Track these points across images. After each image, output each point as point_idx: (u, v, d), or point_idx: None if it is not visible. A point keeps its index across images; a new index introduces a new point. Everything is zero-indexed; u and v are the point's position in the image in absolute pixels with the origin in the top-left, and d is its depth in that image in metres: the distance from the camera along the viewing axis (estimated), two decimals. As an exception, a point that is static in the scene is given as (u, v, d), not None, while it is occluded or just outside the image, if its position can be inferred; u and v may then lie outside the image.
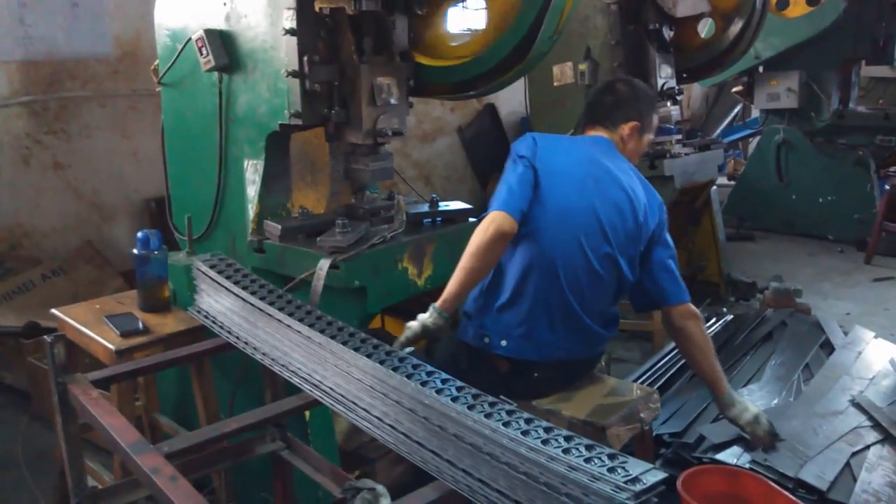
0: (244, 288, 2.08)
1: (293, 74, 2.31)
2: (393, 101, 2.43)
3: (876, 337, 3.72)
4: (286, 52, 2.32)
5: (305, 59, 2.30)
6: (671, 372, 3.35)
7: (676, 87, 4.25)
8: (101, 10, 4.60)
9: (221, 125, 2.56)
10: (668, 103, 4.23)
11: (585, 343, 2.37)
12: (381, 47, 2.46)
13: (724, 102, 9.56)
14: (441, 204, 2.69)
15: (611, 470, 1.22)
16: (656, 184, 2.70)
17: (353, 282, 2.27)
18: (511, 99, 6.94)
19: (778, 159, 6.84)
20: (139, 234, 2.55)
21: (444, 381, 1.55)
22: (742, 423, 2.48)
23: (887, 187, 5.93)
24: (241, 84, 2.50)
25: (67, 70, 4.50)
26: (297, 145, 2.75)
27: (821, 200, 6.71)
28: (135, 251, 2.55)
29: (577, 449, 1.29)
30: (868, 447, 2.66)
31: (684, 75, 4.44)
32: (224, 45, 2.48)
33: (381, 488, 1.50)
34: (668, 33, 4.19)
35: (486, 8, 2.53)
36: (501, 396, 1.49)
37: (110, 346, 2.32)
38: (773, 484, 2.24)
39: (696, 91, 9.47)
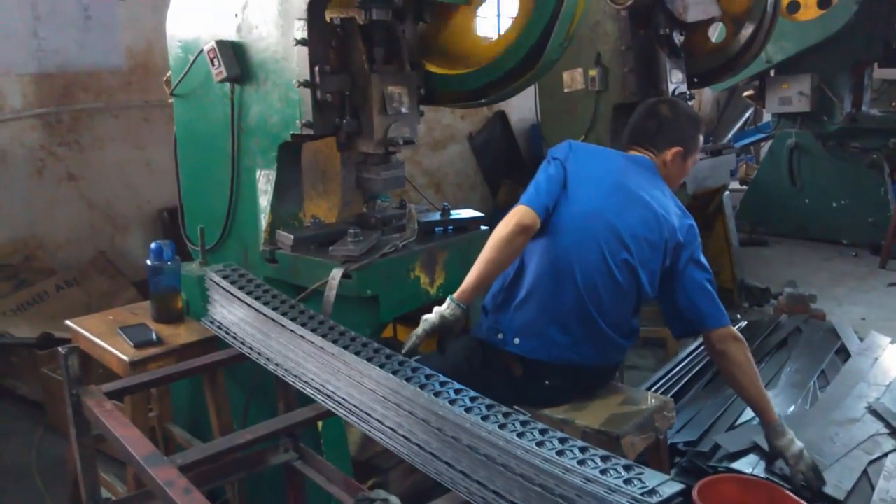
0: (257, 298, 2.08)
1: (304, 85, 2.31)
2: (404, 109, 2.44)
3: (892, 342, 3.67)
4: (297, 63, 2.32)
5: (317, 69, 2.31)
6: (685, 379, 3.32)
7: (687, 93, 4.23)
8: (114, 22, 4.64)
9: (233, 136, 2.57)
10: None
11: (600, 350, 2.35)
12: (391, 56, 2.47)
13: (735, 107, 9.51)
14: (452, 212, 2.69)
15: (627, 482, 1.21)
16: (668, 190, 2.69)
17: (366, 291, 2.27)
18: (521, 106, 6.94)
19: (791, 163, 6.80)
20: (152, 245, 2.56)
21: (457, 392, 1.55)
22: (787, 456, 2.39)
23: (902, 190, 5.89)
24: (252, 95, 2.51)
25: (80, 82, 4.54)
26: (308, 155, 2.76)
27: (834, 204, 6.66)
28: (148, 262, 2.56)
29: (593, 460, 1.28)
30: (886, 455, 2.62)
31: (695, 80, 4.41)
32: (236, 56, 2.49)
33: (394, 499, 1.50)
34: (678, 38, 4.17)
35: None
36: (515, 406, 1.48)
37: (124, 357, 2.32)
38: (789, 493, 2.22)
39: (706, 96, 9.44)
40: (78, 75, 4.52)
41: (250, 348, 2.07)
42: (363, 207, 2.63)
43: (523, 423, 1.40)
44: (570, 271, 2.29)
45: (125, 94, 4.74)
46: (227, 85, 2.54)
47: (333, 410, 1.77)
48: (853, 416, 2.87)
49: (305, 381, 1.86)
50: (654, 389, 3.16)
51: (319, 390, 1.81)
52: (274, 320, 1.98)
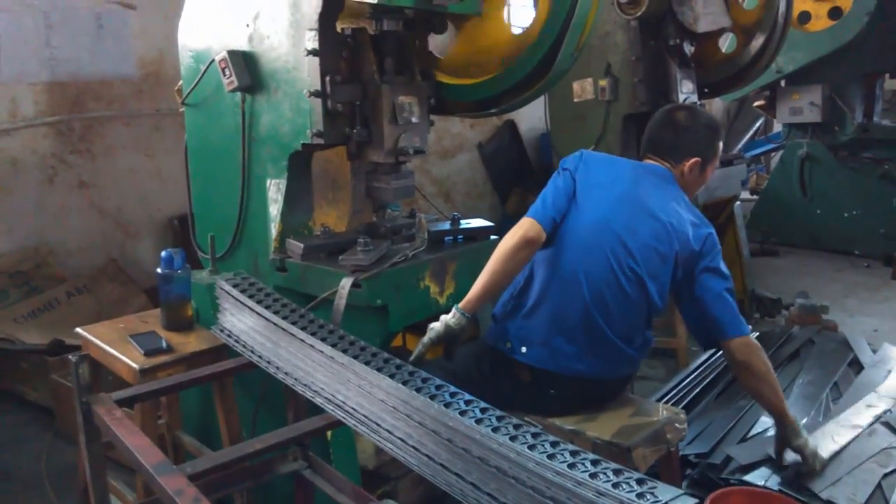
0: (267, 307, 2.08)
1: (315, 94, 2.32)
2: (414, 119, 2.44)
3: (905, 354, 3.64)
4: (308, 73, 2.33)
5: (327, 79, 2.31)
6: (697, 390, 3.30)
7: (698, 103, 4.22)
8: (126, 31, 4.67)
9: (244, 145, 2.58)
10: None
11: (609, 361, 2.33)
12: (402, 66, 2.47)
13: (745, 117, 9.49)
14: (462, 222, 2.69)
15: (640, 496, 1.20)
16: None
17: (375, 300, 2.27)
18: (531, 115, 6.94)
19: (802, 174, 6.77)
20: (163, 254, 2.56)
21: (467, 403, 1.54)
22: (806, 454, 2.43)
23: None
24: (263, 104, 2.52)
25: (92, 90, 4.57)
26: (318, 164, 2.76)
27: (846, 215, 6.62)
28: (158, 270, 2.57)
29: (605, 473, 1.27)
30: (900, 468, 2.60)
31: (706, 90, 4.40)
32: (247, 66, 2.50)
33: (403, 510, 1.49)
34: (689, 48, 4.17)
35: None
36: (526, 418, 1.48)
37: (134, 364, 2.33)
38: (802, 506, 2.20)
39: (717, 106, 9.41)
40: (90, 84, 4.55)
41: (259, 357, 2.07)
42: (373, 216, 2.63)
43: (534, 436, 1.39)
44: (576, 282, 2.28)
45: (137, 103, 4.77)
46: (239, 94, 2.55)
47: (343, 420, 1.76)
48: (867, 429, 2.84)
49: (315, 391, 1.86)
50: (664, 400, 3.14)
51: (329, 400, 1.81)
52: (283, 329, 1.98)
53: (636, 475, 1.27)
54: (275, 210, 2.54)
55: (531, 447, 1.35)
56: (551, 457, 1.32)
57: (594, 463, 1.30)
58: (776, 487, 2.42)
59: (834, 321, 4.32)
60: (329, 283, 2.30)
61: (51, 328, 3.94)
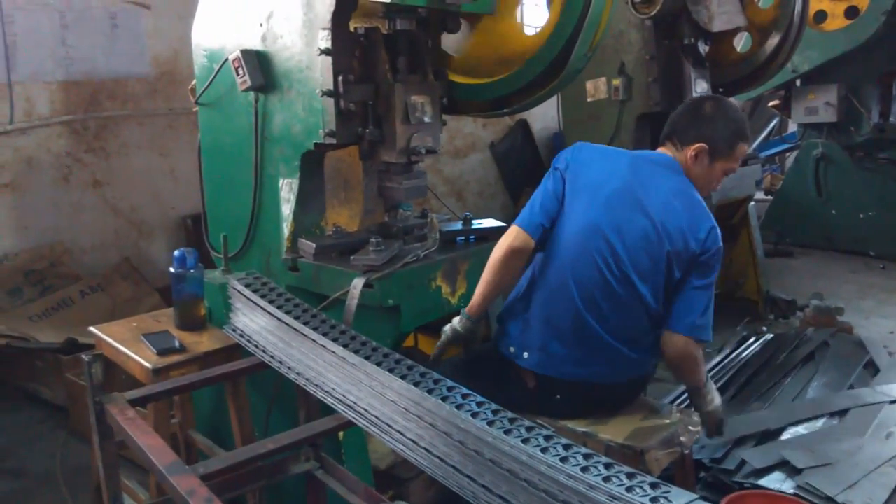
0: (279, 307, 2.08)
1: (328, 94, 2.32)
2: (427, 119, 2.43)
3: (923, 357, 3.61)
4: (321, 72, 2.33)
5: (340, 78, 2.31)
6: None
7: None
8: (140, 30, 4.69)
9: (257, 144, 2.58)
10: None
11: (610, 365, 2.27)
12: (415, 66, 2.47)
13: (759, 116, 9.41)
14: (474, 222, 2.68)
15: (653, 500, 1.19)
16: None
17: (387, 301, 2.26)
18: (544, 114, 6.92)
19: (817, 174, 6.71)
20: (176, 253, 2.57)
21: (479, 405, 1.53)
22: (711, 409, 2.31)
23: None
24: (276, 104, 2.52)
25: (107, 89, 4.59)
26: (330, 164, 2.76)
27: (861, 216, 6.55)
28: (171, 270, 2.58)
29: (618, 477, 1.26)
30: (917, 472, 2.57)
31: (720, 90, 4.37)
32: (260, 66, 2.50)
33: (415, 512, 1.48)
34: (703, 48, 4.14)
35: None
36: (538, 420, 1.47)
37: (147, 364, 2.33)
38: (818, 510, 2.18)
39: (731, 105, 9.34)
40: (104, 83, 4.58)
41: (272, 357, 2.07)
42: (385, 216, 2.62)
43: (547, 438, 1.38)
44: (566, 289, 2.23)
45: (151, 102, 4.79)
46: (252, 94, 2.55)
47: (355, 421, 1.76)
48: (882, 432, 2.81)
49: (327, 391, 1.86)
50: (677, 403, 3.12)
51: (341, 400, 1.80)
52: (296, 329, 1.98)
53: (650, 479, 1.26)
54: (287, 210, 2.54)
55: (544, 450, 1.34)
56: (564, 460, 1.31)
57: (607, 466, 1.29)
58: (791, 491, 2.40)
59: (849, 323, 4.28)
60: (341, 283, 2.30)
61: (65, 327, 3.96)
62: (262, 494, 2.45)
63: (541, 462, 1.32)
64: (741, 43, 4.44)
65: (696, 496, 1.21)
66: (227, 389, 2.47)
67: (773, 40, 4.10)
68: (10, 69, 4.18)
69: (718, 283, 2.41)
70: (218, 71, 2.64)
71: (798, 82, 6.61)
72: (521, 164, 7.14)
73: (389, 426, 1.66)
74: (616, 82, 4.17)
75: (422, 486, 2.64)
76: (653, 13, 3.96)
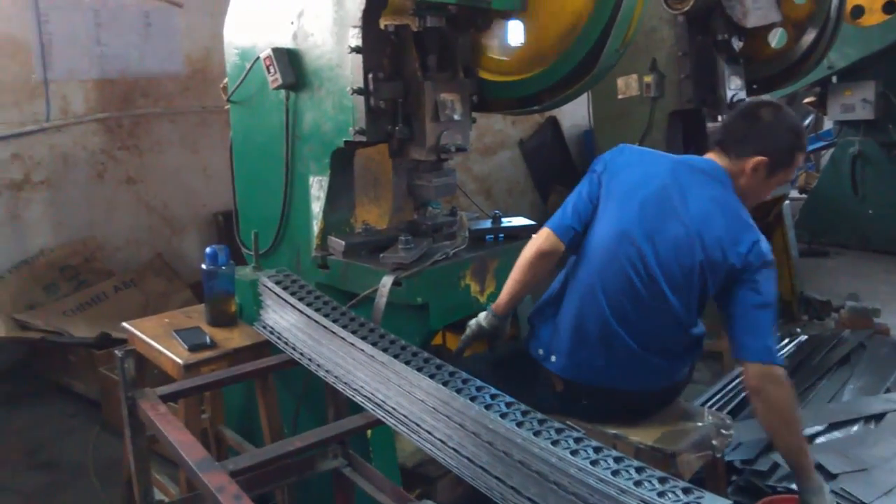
0: (308, 304, 2.09)
1: (358, 92, 2.32)
2: (456, 116, 2.42)
3: (963, 361, 3.52)
4: (351, 70, 2.33)
5: (370, 76, 2.31)
6: (743, 395, 3.22)
7: (746, 99, 4.13)
8: (173, 29, 4.75)
9: (288, 142, 2.59)
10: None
11: (640, 374, 2.20)
12: (445, 64, 2.46)
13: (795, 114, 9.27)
14: (503, 220, 2.67)
15: (686, 505, 1.17)
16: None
17: (416, 298, 2.26)
18: (574, 112, 6.87)
19: (853, 172, 6.59)
20: (207, 250, 2.59)
21: (508, 405, 1.52)
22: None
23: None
24: (307, 101, 2.53)
25: (140, 87, 4.66)
26: (360, 161, 2.76)
27: (898, 215, 6.43)
28: (203, 266, 2.60)
29: (650, 482, 1.24)
30: (957, 479, 2.50)
31: (754, 87, 4.29)
32: (291, 64, 2.51)
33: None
34: (737, 44, 4.07)
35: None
36: (568, 422, 1.45)
37: (178, 360, 2.35)
38: (853, 517, 2.13)
39: (764, 102, 9.21)
40: (138, 81, 4.64)
41: (301, 354, 2.08)
42: (414, 214, 2.62)
43: (577, 440, 1.37)
44: (594, 296, 2.17)
45: (183, 100, 4.85)
46: (283, 92, 2.56)
47: (383, 419, 1.76)
48: (921, 438, 2.75)
49: (355, 389, 1.86)
50: (709, 405, 3.08)
51: (369, 399, 1.81)
52: (325, 327, 1.99)
53: (682, 484, 1.24)
54: (317, 207, 2.55)
55: (574, 452, 1.33)
56: (594, 463, 1.29)
57: (639, 470, 1.27)
58: (825, 496, 2.35)
59: (886, 325, 4.19)
60: (370, 281, 2.30)
61: (98, 321, 4.02)
62: (290, 491, 2.46)
63: (570, 465, 1.30)
64: (776, 38, 4.36)
65: (729, 502, 1.19)
66: (256, 386, 2.49)
67: (809, 36, 4.03)
68: (47, 67, 4.25)
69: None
70: (249, 69, 2.66)
71: (834, 79, 6.50)
72: (551, 162, 7.10)
73: (418, 425, 1.65)
74: (648, 79, 4.11)
75: (449, 485, 2.63)
76: (686, 9, 3.90)
